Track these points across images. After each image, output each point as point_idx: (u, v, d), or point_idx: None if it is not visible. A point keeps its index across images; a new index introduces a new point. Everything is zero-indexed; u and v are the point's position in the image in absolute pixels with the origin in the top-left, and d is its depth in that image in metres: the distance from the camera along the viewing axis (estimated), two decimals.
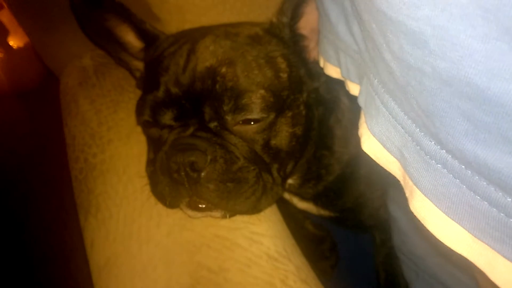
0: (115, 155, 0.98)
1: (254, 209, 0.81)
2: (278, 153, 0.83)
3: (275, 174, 0.84)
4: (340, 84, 1.07)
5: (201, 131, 0.79)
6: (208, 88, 0.77)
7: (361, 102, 0.56)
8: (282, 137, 0.83)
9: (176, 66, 0.81)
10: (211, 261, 0.78)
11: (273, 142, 0.82)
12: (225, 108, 0.77)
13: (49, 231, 2.19)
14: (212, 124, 0.80)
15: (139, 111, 0.87)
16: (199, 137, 0.77)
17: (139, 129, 1.01)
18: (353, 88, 0.63)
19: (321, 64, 0.73)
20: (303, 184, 1.05)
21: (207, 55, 0.80)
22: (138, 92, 1.09)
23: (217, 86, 0.77)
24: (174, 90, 0.79)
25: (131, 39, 0.96)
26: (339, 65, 0.65)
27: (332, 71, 0.69)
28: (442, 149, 0.39)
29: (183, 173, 0.75)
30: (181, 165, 0.74)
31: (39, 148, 2.62)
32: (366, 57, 0.54)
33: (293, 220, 1.22)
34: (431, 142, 0.41)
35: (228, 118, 0.79)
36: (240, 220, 0.83)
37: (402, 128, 0.46)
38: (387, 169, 0.51)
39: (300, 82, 0.88)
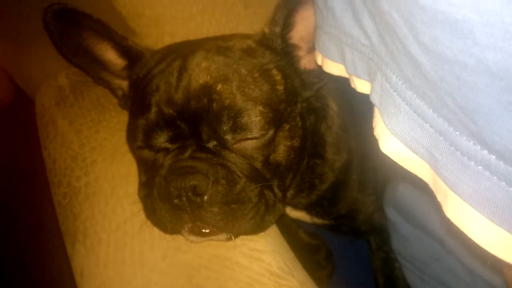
0: (101, 177, 0.94)
1: (259, 228, 0.78)
2: (277, 168, 0.81)
3: (276, 190, 0.81)
4: (328, 90, 1.07)
5: (200, 152, 0.75)
6: (204, 106, 0.74)
7: (375, 99, 0.53)
8: (281, 151, 0.81)
9: (168, 85, 0.77)
10: (211, 283, 0.75)
11: (272, 157, 0.80)
12: (224, 127, 0.74)
13: (30, 259, 2.09)
14: (211, 144, 0.77)
15: (131, 137, 0.82)
16: (199, 159, 0.74)
17: (123, 148, 0.97)
18: (361, 85, 0.60)
19: (319, 61, 0.70)
20: (296, 195, 1.03)
21: (200, 72, 0.77)
22: (120, 110, 1.05)
23: (214, 105, 0.74)
24: (168, 110, 0.76)
25: (112, 57, 0.92)
26: (342, 61, 0.62)
27: (333, 68, 0.66)
28: (484, 150, 0.36)
29: (184, 198, 0.71)
30: (183, 190, 0.70)
31: (14, 170, 2.51)
32: (381, 51, 0.50)
33: (286, 230, 1.20)
34: (470, 142, 0.37)
35: (228, 137, 0.76)
36: (238, 238, 0.80)
37: (431, 127, 0.42)
38: (413, 172, 0.48)
39: (295, 93, 0.86)
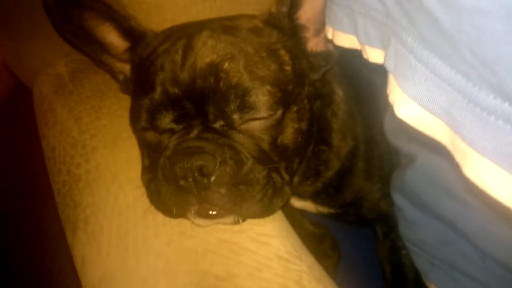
0: (102, 163, 0.91)
1: (267, 211, 0.76)
2: (285, 150, 0.79)
3: (283, 173, 0.79)
4: (334, 76, 1.05)
5: (206, 132, 0.73)
6: (210, 85, 0.72)
7: (389, 65, 0.52)
8: (289, 133, 0.79)
9: (173, 64, 0.74)
10: (218, 268, 0.72)
11: (280, 139, 0.78)
12: (232, 106, 0.72)
13: (30, 257, 2.06)
14: (218, 124, 0.74)
15: (134, 118, 0.79)
16: (205, 139, 0.71)
17: (125, 134, 0.95)
18: (374, 54, 0.59)
19: (330, 35, 0.69)
20: (302, 182, 1.01)
21: (207, 51, 0.74)
22: (121, 97, 1.03)
23: (221, 83, 0.71)
24: (173, 90, 0.73)
25: (114, 39, 0.89)
26: (354, 32, 0.61)
27: (345, 40, 0.65)
28: (504, 103, 0.35)
29: (191, 179, 0.68)
30: (189, 171, 0.68)
31: (11, 166, 2.48)
32: (395, 14, 0.49)
33: (290, 220, 1.17)
34: (489, 96, 0.36)
35: (235, 117, 0.73)
36: (244, 222, 0.78)
37: (449, 85, 0.41)
38: (430, 135, 0.47)
39: (303, 74, 0.84)
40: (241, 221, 0.75)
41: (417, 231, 0.93)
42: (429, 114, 0.46)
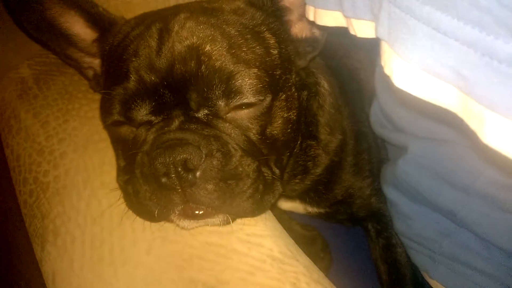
0: (71, 169, 0.83)
1: (259, 209, 0.70)
2: (274, 142, 0.73)
3: (273, 167, 0.73)
4: (317, 67, 1.00)
5: (189, 123, 0.66)
6: (191, 70, 0.65)
7: (382, 33, 0.48)
8: (278, 123, 0.73)
9: (148, 49, 0.68)
10: (206, 274, 0.65)
11: (269, 130, 0.72)
12: (216, 92, 0.65)
13: None
14: (201, 113, 0.68)
15: (105, 110, 0.71)
16: (188, 130, 0.65)
17: (96, 137, 0.87)
18: (362, 28, 0.55)
19: (311, 16, 0.64)
20: (289, 181, 0.95)
21: (185, 33, 0.68)
22: (91, 98, 0.96)
23: (203, 67, 0.65)
24: (149, 77, 0.66)
25: (80, 29, 0.82)
26: (339, 6, 0.57)
27: (329, 18, 0.60)
28: None
29: (173, 175, 0.61)
30: (171, 166, 0.60)
31: None
32: None
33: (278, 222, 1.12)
34: (509, 43, 0.32)
35: (221, 104, 0.67)
36: (233, 222, 0.71)
37: (457, 40, 0.37)
38: (437, 103, 0.43)
39: (290, 60, 0.79)
40: (231, 221, 0.68)
41: (413, 225, 0.88)
42: (434, 79, 0.42)
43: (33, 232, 0.82)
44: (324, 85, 0.96)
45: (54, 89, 0.99)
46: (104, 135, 0.85)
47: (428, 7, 0.40)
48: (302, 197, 1.02)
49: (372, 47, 0.96)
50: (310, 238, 1.17)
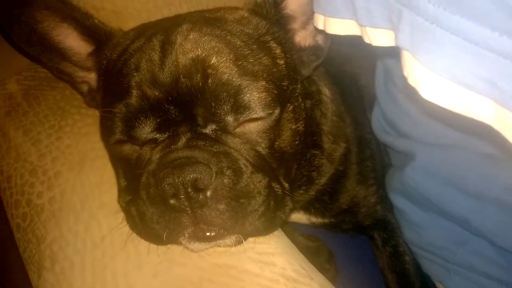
0: (67, 189, 0.79)
1: (271, 226, 0.67)
2: (282, 155, 0.70)
3: (283, 181, 0.70)
4: (318, 74, 0.98)
5: (196, 140, 0.63)
6: (198, 84, 0.62)
7: (404, 42, 0.45)
8: (287, 135, 0.70)
9: (150, 63, 0.64)
10: None
11: (277, 143, 0.69)
12: (225, 107, 0.62)
13: None
14: (209, 129, 0.64)
15: (107, 130, 0.67)
16: (196, 147, 0.61)
17: (92, 154, 0.83)
18: (378, 36, 0.52)
19: (321, 25, 0.61)
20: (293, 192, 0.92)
21: (189, 45, 0.65)
22: (85, 113, 0.92)
23: (210, 81, 0.62)
24: (152, 92, 0.63)
25: (74, 42, 0.78)
26: (353, 15, 0.54)
27: (341, 27, 0.57)
28: None
29: (183, 196, 0.58)
30: (180, 186, 0.57)
31: None
32: None
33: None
34: None
35: (229, 119, 0.64)
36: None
37: (492, 51, 0.35)
38: (469, 115, 0.41)
39: (295, 69, 0.77)
40: (243, 241, 0.64)
41: (424, 234, 0.85)
42: (465, 90, 0.40)
43: (28, 258, 0.78)
44: (326, 92, 0.94)
45: (45, 105, 0.94)
46: (101, 152, 0.81)
47: (456, 16, 0.38)
48: (307, 208, 0.99)
49: (371, 53, 0.95)
50: (315, 249, 1.14)
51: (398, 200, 0.90)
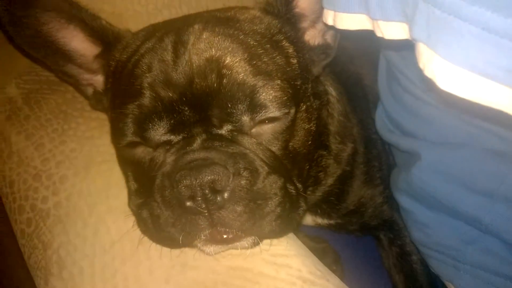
0: (74, 194, 0.78)
1: (287, 227, 0.67)
2: (296, 156, 0.70)
3: (297, 182, 0.70)
4: (324, 74, 0.97)
5: (212, 141, 0.62)
6: (212, 85, 0.61)
7: (420, 35, 0.45)
8: (300, 136, 0.70)
9: (163, 63, 0.63)
10: None
11: (291, 143, 0.68)
12: (241, 107, 0.62)
13: None
14: (225, 129, 0.64)
15: (118, 132, 0.66)
16: (212, 148, 0.60)
17: (98, 158, 0.82)
18: (391, 30, 0.52)
19: (330, 21, 0.61)
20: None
21: (203, 45, 0.64)
22: (88, 116, 0.90)
23: (225, 81, 0.61)
24: (166, 93, 0.62)
25: (80, 44, 0.76)
26: (365, 9, 0.54)
27: (352, 22, 0.57)
28: None
29: (200, 198, 0.57)
30: (197, 188, 0.56)
31: None
32: None
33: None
34: None
35: (246, 119, 0.63)
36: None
37: (511, 40, 0.35)
38: (488, 104, 0.41)
39: (307, 69, 0.76)
40: (260, 243, 0.64)
41: (432, 234, 0.85)
42: (485, 80, 0.40)
43: (34, 264, 0.76)
44: (332, 92, 0.94)
45: (46, 109, 0.93)
46: (107, 155, 0.80)
47: (475, 7, 0.39)
48: (313, 209, 0.99)
49: (374, 50, 0.95)
50: (321, 250, 1.13)
51: (404, 201, 0.90)
